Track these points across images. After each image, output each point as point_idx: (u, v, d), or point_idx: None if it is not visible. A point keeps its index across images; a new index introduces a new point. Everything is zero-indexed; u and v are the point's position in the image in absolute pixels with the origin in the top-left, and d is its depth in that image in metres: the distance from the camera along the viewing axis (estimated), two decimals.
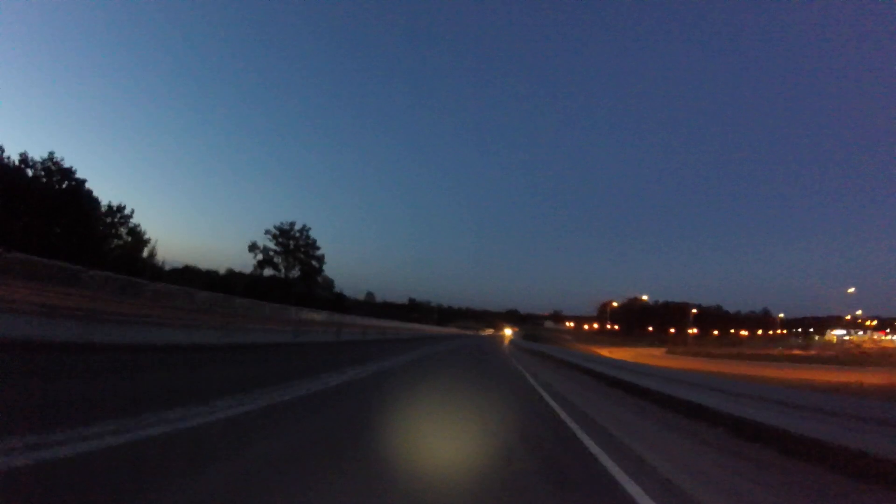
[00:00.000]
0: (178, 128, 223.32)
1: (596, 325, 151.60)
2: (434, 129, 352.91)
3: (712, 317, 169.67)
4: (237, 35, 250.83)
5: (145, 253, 57.39)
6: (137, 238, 57.90)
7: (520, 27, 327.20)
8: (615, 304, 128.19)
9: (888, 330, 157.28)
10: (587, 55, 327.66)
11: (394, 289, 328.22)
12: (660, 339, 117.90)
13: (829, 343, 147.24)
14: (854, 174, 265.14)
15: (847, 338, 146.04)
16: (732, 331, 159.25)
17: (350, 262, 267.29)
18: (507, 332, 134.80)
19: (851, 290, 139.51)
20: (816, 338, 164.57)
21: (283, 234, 70.15)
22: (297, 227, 70.68)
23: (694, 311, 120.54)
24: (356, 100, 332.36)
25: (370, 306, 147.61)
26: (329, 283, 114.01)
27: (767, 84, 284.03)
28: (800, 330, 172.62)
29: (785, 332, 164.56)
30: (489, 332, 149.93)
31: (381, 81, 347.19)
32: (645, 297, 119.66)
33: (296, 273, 70.30)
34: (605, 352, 67.91)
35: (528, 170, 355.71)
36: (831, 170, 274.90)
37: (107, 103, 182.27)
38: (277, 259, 70.28)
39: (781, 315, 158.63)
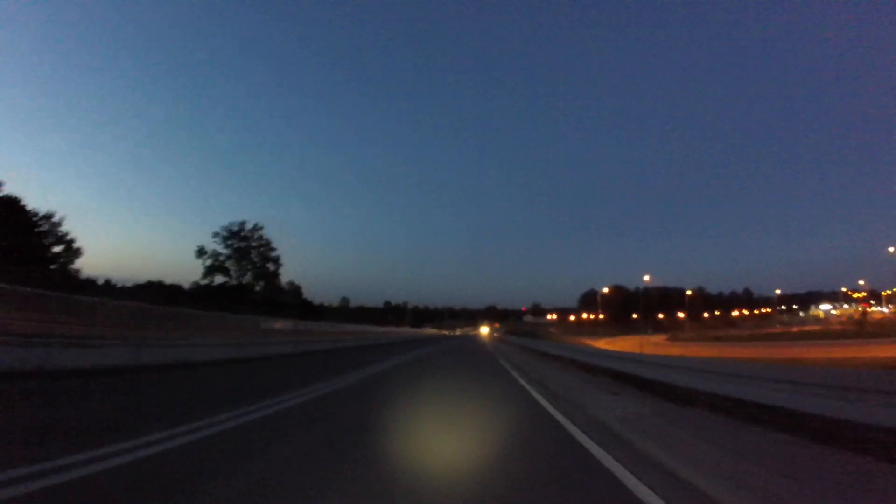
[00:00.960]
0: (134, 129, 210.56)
1: (584, 315, 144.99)
2: (407, 129, 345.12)
3: (696, 300, 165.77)
4: (201, 30, 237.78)
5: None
6: (69, 249, 50.33)
7: (502, 18, 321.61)
8: (605, 290, 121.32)
9: (872, 302, 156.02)
10: (566, 45, 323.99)
11: (369, 293, 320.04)
12: (650, 327, 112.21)
13: (818, 318, 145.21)
14: (828, 152, 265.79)
15: (834, 312, 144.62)
16: (718, 312, 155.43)
17: (325, 270, 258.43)
18: (484, 329, 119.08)
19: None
20: (802, 314, 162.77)
21: (234, 236, 61.51)
22: (249, 226, 62.12)
23: (689, 292, 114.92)
24: (324, 97, 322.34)
25: (343, 312, 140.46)
26: (296, 290, 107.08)
27: (741, 71, 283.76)
28: (784, 307, 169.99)
29: (769, 310, 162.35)
30: (459, 332, 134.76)
31: (353, 79, 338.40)
32: (647, 279, 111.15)
33: (249, 279, 61.76)
34: (602, 343, 61.50)
35: (501, 166, 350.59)
36: (802, 148, 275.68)
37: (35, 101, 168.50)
38: (229, 264, 61.62)
39: (778, 291, 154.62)
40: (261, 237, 62.27)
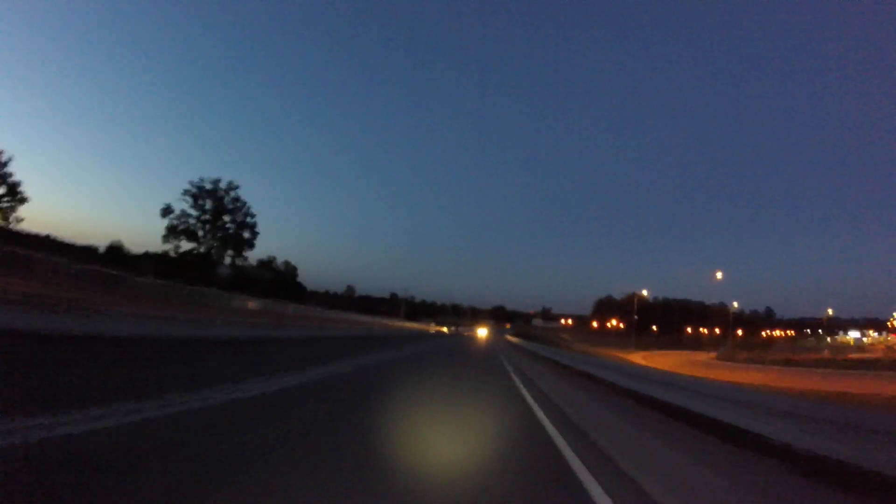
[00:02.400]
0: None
1: (596, 324, 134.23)
2: (420, 126, 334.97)
3: (717, 316, 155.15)
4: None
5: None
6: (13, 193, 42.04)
7: (501, 20, 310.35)
8: (645, 292, 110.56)
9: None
10: (572, 51, 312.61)
11: (377, 284, 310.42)
12: (671, 341, 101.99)
13: (848, 345, 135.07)
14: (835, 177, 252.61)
15: (865, 340, 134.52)
16: (741, 331, 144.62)
17: (334, 258, 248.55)
18: (482, 331, 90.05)
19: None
20: (829, 339, 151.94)
21: (204, 195, 51.52)
22: (223, 184, 52.05)
23: (734, 305, 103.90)
24: (338, 94, 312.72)
25: (338, 299, 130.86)
26: (292, 270, 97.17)
27: (768, 78, 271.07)
28: (808, 331, 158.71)
29: (793, 332, 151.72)
30: (465, 331, 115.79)
31: (365, 78, 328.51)
32: (644, 293, 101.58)
33: (220, 248, 51.77)
34: (637, 358, 51.60)
35: (518, 169, 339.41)
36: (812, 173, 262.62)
37: None
38: (197, 227, 51.65)
39: (829, 314, 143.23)
40: (237, 198, 52.25)
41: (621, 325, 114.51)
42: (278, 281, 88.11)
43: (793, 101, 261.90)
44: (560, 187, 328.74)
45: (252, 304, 44.25)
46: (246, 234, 52.82)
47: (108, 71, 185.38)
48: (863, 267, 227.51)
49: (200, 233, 51.38)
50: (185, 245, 51.52)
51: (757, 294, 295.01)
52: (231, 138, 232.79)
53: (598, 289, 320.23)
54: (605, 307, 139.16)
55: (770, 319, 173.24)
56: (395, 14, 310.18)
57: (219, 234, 51.19)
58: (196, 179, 51.61)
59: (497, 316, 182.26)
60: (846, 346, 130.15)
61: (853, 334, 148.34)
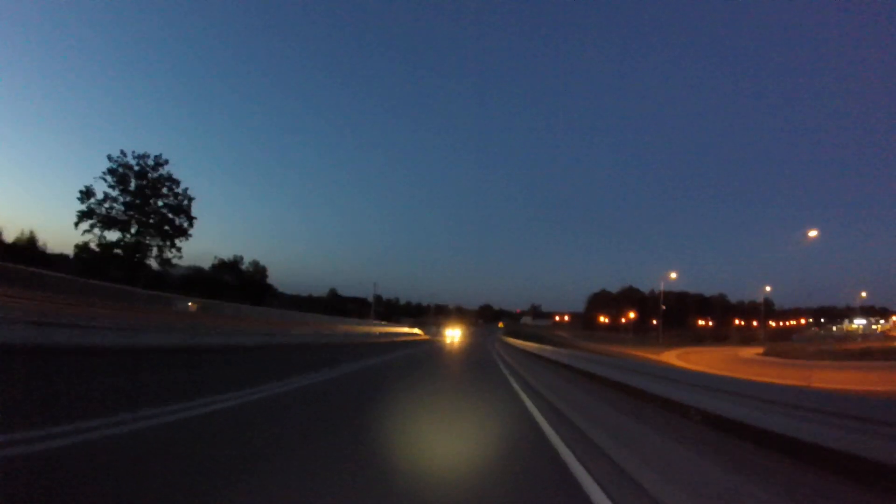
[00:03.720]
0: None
1: (598, 319, 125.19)
2: (402, 126, 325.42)
3: (718, 307, 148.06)
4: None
5: None
6: None
7: (485, 20, 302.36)
8: (648, 291, 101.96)
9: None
10: (556, 48, 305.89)
11: (362, 287, 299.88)
12: (691, 336, 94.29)
13: (857, 333, 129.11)
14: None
15: (875, 327, 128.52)
16: (742, 322, 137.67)
17: (318, 260, 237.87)
18: (451, 333, 71.00)
19: None
20: (834, 328, 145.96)
21: (129, 174, 40.91)
22: (150, 161, 41.40)
23: (768, 288, 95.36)
24: (318, 94, 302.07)
25: (313, 301, 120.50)
26: (261, 271, 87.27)
27: (762, 70, 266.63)
28: (811, 320, 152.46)
29: (795, 322, 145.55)
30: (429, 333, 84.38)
31: (347, 78, 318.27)
32: (673, 276, 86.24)
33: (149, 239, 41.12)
34: (671, 357, 42.78)
35: (501, 165, 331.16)
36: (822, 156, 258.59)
37: None
38: (119, 213, 41.03)
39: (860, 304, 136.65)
40: (170, 177, 41.67)
41: (623, 320, 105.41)
42: (244, 283, 78.71)
43: (782, 97, 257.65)
44: (543, 184, 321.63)
45: (193, 307, 34.89)
46: (180, 222, 42.10)
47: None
48: (845, 257, 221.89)
49: (127, 221, 40.86)
50: (112, 236, 41.08)
51: (745, 285, 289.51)
52: (216, 144, 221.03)
53: (586, 285, 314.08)
54: (601, 302, 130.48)
55: (769, 309, 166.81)
56: (377, 15, 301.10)
57: (149, 221, 40.56)
58: (117, 154, 41.04)
59: (485, 315, 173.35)
60: (860, 334, 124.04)
61: (859, 321, 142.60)
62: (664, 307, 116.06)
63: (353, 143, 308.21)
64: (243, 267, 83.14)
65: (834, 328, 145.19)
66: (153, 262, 42.27)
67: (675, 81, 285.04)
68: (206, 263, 76.47)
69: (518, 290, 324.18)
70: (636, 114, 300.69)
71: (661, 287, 70.05)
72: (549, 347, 28.01)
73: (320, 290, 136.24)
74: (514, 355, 28.86)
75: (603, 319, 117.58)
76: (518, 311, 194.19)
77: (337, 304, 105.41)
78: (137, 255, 40.18)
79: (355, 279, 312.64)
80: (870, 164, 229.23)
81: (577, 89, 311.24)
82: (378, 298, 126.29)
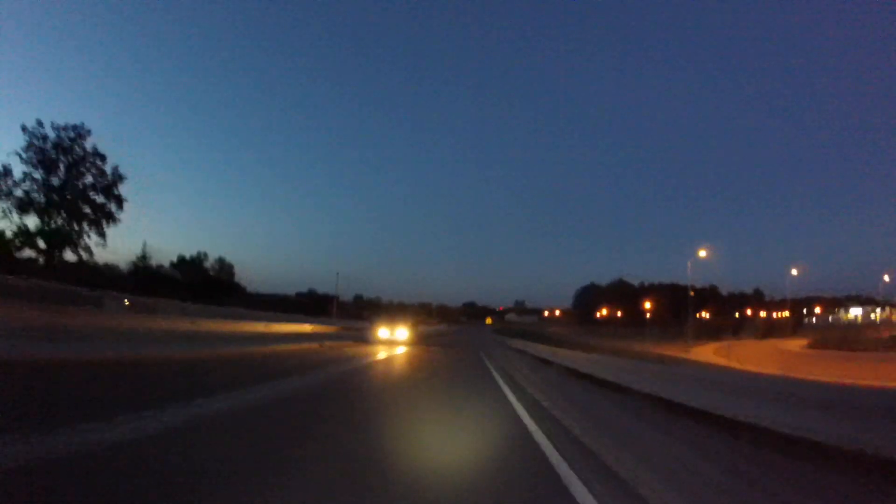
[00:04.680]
0: None
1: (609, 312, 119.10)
2: (373, 116, 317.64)
3: (709, 298, 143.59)
4: None
5: None
6: None
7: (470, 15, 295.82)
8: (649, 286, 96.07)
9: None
10: (560, 37, 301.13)
11: (345, 287, 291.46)
12: (708, 328, 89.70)
13: (854, 322, 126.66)
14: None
15: (873, 317, 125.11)
16: (738, 314, 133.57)
17: (300, 260, 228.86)
18: (396, 335, 29.20)
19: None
20: (830, 318, 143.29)
21: (48, 149, 33.04)
22: (69, 133, 33.52)
23: (793, 273, 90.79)
24: (299, 92, 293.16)
25: (278, 301, 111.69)
26: (227, 268, 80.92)
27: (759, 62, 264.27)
28: (805, 311, 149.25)
29: (787, 313, 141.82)
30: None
31: (332, 80, 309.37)
32: (702, 253, 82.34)
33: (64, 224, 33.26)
34: (707, 353, 36.49)
35: (483, 165, 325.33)
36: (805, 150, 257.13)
37: None
38: (39, 196, 33.19)
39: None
40: (94, 152, 33.82)
41: (619, 314, 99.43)
42: (207, 281, 71.43)
43: (770, 92, 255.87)
44: (522, 181, 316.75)
45: None
46: (109, 206, 34.29)
47: None
48: (831, 244, 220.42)
49: (41, 202, 32.95)
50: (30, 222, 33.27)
51: (732, 276, 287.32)
52: (199, 143, 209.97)
53: (569, 280, 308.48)
54: (590, 296, 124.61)
55: (760, 300, 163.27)
56: (366, 17, 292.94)
57: (67, 203, 32.68)
58: (33, 125, 33.12)
59: (469, 313, 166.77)
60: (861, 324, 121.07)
61: (855, 311, 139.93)
62: (648, 302, 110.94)
63: (330, 138, 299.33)
64: (207, 264, 77.04)
65: (830, 317, 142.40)
66: (82, 253, 34.50)
67: (660, 76, 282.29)
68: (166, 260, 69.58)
69: (500, 287, 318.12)
70: (621, 108, 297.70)
71: (689, 270, 62.61)
72: (563, 351, 21.04)
73: (302, 290, 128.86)
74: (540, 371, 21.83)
75: (605, 312, 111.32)
76: (500, 308, 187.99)
77: (318, 303, 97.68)
78: (54, 246, 32.32)
79: (341, 279, 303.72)
80: (853, 159, 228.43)
81: (558, 83, 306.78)
82: (371, 301, 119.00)
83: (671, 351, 44.04)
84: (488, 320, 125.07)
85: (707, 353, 45.13)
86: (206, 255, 76.15)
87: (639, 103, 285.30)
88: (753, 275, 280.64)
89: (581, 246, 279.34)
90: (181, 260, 72.67)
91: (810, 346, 51.86)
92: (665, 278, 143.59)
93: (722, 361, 35.79)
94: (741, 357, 40.66)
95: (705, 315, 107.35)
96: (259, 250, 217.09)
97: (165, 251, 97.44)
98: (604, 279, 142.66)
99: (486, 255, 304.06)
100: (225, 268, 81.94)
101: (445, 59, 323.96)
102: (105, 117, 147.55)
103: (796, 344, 55.37)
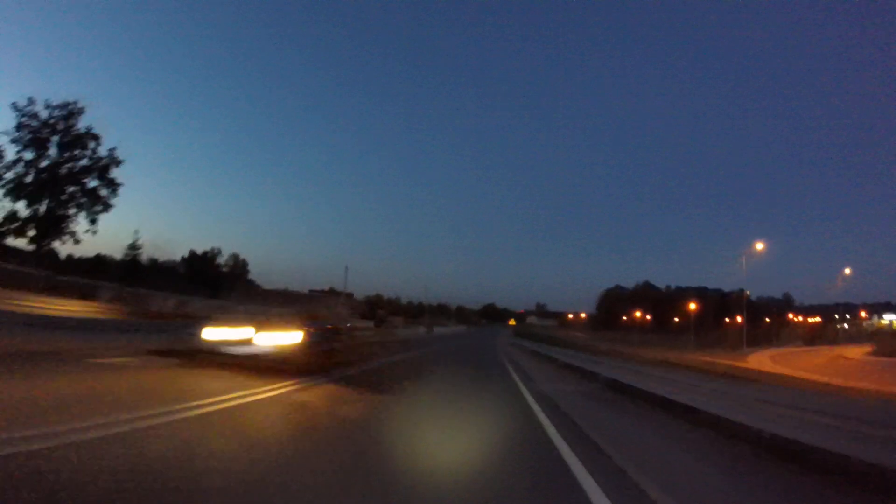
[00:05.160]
0: None
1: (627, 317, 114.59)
2: (402, 127, 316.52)
3: (738, 303, 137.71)
4: None
5: None
6: None
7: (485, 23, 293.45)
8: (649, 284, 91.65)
9: None
10: (573, 38, 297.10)
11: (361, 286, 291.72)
12: (720, 337, 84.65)
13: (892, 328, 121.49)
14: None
15: None
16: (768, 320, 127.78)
17: (320, 259, 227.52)
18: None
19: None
20: (864, 324, 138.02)
21: (36, 123, 30.17)
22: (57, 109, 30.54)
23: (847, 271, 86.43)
24: (319, 98, 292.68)
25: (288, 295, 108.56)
26: (241, 264, 78.94)
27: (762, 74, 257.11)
28: (837, 317, 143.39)
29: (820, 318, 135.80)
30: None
31: (350, 83, 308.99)
32: (760, 247, 79.34)
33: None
34: (764, 362, 32.27)
35: (502, 167, 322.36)
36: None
37: None
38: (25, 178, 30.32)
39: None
40: (88, 132, 30.80)
41: (647, 317, 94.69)
42: (220, 276, 68.95)
43: (784, 98, 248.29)
44: (544, 184, 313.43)
45: None
46: (103, 189, 31.22)
47: None
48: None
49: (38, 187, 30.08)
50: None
51: (761, 282, 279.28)
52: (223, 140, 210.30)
53: (591, 283, 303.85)
54: (615, 299, 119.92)
55: (789, 305, 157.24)
56: (373, 17, 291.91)
57: (56, 188, 29.70)
58: (24, 102, 30.25)
59: (489, 314, 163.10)
60: None
61: (889, 316, 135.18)
62: (688, 306, 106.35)
63: (353, 143, 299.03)
64: (222, 260, 74.55)
65: (864, 324, 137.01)
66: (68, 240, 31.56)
67: (676, 81, 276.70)
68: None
69: (520, 290, 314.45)
70: (636, 115, 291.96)
71: (744, 266, 57.78)
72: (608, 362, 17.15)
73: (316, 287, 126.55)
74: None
75: (632, 316, 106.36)
76: (521, 310, 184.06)
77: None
78: (43, 234, 29.42)
79: (362, 278, 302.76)
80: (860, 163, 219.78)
81: (575, 89, 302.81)
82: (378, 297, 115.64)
83: (724, 359, 39.53)
84: (511, 322, 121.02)
85: (764, 361, 40.75)
86: (219, 250, 73.69)
87: (670, 109, 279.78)
88: (774, 280, 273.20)
89: (603, 251, 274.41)
90: (192, 255, 70.37)
91: (874, 354, 47.10)
92: (692, 283, 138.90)
93: (786, 372, 31.53)
94: (807, 367, 36.11)
95: (738, 320, 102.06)
96: (272, 247, 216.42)
97: (177, 246, 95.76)
98: (628, 284, 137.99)
99: (508, 260, 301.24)
100: (239, 263, 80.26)
101: (477, 70, 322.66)
102: (115, 112, 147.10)
103: (857, 352, 50.69)
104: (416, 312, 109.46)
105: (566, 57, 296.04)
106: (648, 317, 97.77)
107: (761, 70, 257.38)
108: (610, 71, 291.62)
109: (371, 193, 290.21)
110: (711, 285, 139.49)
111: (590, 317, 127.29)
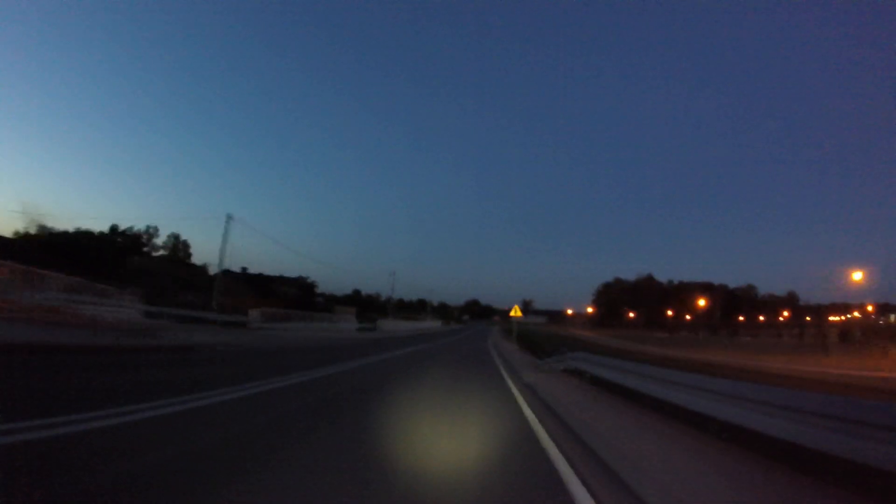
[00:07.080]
0: None
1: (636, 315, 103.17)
2: (372, 122, 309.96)
3: (743, 301, 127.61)
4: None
5: None
6: None
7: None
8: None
9: None
10: (561, 40, 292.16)
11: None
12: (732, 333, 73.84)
13: None
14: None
15: None
16: (764, 317, 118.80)
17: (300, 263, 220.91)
18: None
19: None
20: (882, 322, 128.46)
21: None
22: None
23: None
24: (299, 98, 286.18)
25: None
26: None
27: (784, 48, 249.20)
28: (847, 316, 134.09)
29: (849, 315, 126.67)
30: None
31: (319, 77, 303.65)
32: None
33: None
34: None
35: (481, 169, 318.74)
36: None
37: None
38: None
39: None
40: None
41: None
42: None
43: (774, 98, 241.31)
44: (529, 184, 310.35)
45: None
46: None
47: None
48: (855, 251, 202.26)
49: None
50: None
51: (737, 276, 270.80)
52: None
53: (580, 280, 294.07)
54: (614, 293, 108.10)
55: (794, 303, 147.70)
56: (353, 18, 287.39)
57: None
58: None
59: (472, 311, 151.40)
60: None
61: None
62: (698, 301, 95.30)
63: (326, 138, 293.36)
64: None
65: (881, 321, 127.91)
66: None
67: (677, 81, 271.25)
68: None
69: (506, 287, 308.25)
70: (636, 115, 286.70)
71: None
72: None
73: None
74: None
75: (631, 312, 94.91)
76: (506, 308, 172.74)
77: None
78: None
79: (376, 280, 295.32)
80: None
81: (575, 89, 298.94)
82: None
83: (797, 365, 27.64)
84: (495, 318, 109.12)
85: (853, 366, 28.66)
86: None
87: (672, 109, 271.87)
88: (774, 280, 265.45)
89: (589, 249, 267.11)
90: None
91: None
92: (690, 277, 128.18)
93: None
94: (867, 368, 24.75)
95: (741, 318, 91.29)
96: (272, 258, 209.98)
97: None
98: (633, 276, 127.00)
99: (493, 257, 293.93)
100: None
101: (477, 70, 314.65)
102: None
103: None
104: (381, 307, 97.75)
105: (564, 55, 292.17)
106: (655, 311, 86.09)
107: (781, 69, 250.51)
108: (611, 69, 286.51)
109: (348, 191, 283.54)
110: (710, 280, 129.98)
111: (586, 314, 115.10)
